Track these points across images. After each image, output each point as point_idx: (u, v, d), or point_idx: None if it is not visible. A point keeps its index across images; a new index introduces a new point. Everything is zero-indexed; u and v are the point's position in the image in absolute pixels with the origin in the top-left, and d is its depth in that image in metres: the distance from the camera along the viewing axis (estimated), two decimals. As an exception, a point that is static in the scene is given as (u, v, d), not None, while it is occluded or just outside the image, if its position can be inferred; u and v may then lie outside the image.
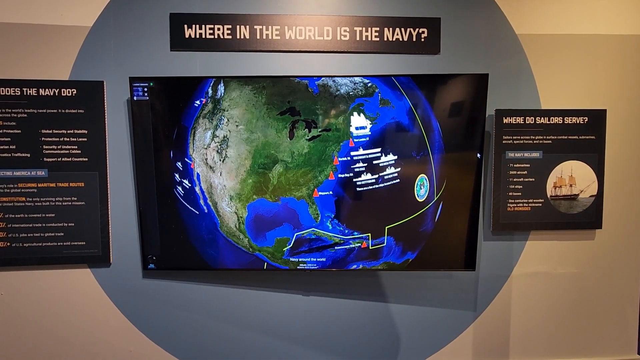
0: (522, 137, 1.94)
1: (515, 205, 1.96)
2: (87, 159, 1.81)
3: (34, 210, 1.80)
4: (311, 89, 1.71)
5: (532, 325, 2.06)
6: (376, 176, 1.73)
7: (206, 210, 1.79)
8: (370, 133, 1.72)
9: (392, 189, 1.75)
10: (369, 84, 1.72)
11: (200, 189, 1.77)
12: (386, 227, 1.78)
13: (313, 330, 2.01)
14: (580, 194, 1.97)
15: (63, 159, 1.80)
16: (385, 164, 1.72)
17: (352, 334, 2.02)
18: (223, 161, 1.74)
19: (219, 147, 1.72)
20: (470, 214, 1.85)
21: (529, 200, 1.96)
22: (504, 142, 1.94)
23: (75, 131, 1.80)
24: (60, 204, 1.81)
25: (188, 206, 1.79)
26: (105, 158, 1.82)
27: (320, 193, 1.74)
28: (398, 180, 1.75)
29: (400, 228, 1.79)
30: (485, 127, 1.84)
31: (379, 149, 1.72)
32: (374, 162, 1.72)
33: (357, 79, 1.71)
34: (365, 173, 1.73)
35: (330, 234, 1.79)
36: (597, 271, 2.05)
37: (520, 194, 1.96)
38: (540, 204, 1.97)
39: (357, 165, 1.73)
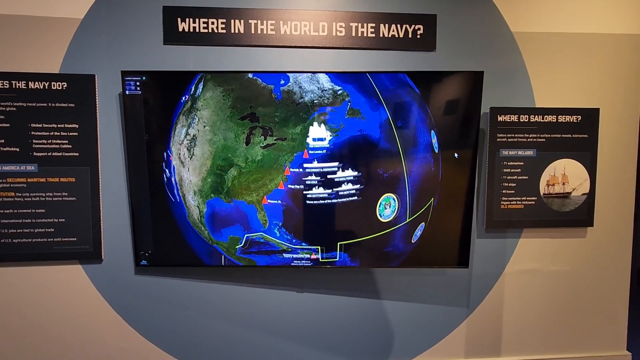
0: (516, 135, 1.94)
1: (509, 203, 1.98)
2: (78, 154, 1.78)
3: (24, 206, 1.77)
4: (275, 94, 1.69)
5: (524, 322, 2.08)
6: (329, 191, 1.70)
7: (178, 200, 1.81)
8: (328, 145, 1.69)
9: (348, 205, 1.73)
10: (339, 92, 1.68)
11: (174, 180, 1.79)
12: (339, 243, 1.78)
13: (306, 327, 2.01)
14: (572, 192, 1.99)
15: (53, 154, 1.77)
16: (342, 179, 1.69)
17: (345, 331, 2.02)
18: (190, 158, 1.76)
19: (189, 144, 1.74)
20: (464, 212, 1.86)
21: (522, 198, 1.98)
22: (498, 140, 1.94)
23: (66, 125, 1.77)
24: (51, 199, 1.78)
25: (168, 193, 1.81)
26: (96, 153, 1.80)
27: (269, 201, 1.75)
28: (357, 198, 1.72)
29: (357, 246, 1.77)
30: (480, 125, 1.84)
31: (336, 163, 1.70)
32: (329, 176, 1.70)
33: (327, 86, 1.68)
34: (317, 187, 1.71)
35: (278, 240, 1.80)
36: (589, 268, 2.08)
37: (513, 191, 1.97)
38: (534, 202, 1.98)
39: (309, 177, 1.71)
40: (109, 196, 1.84)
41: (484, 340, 2.08)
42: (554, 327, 2.10)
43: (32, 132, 1.75)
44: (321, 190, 1.70)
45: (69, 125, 1.77)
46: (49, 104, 1.75)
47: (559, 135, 1.96)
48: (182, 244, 1.83)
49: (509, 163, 1.96)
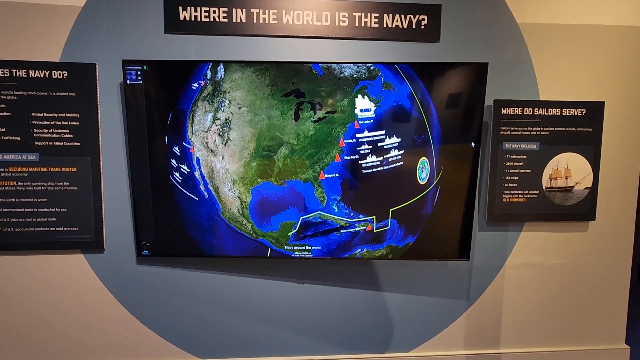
0: (519, 128, 1.93)
1: (511, 196, 1.97)
2: (79, 144, 1.78)
3: (26, 195, 1.78)
4: (315, 71, 1.70)
5: (523, 315, 2.09)
6: (381, 158, 1.73)
7: (207, 196, 1.76)
8: (374, 115, 1.71)
9: (395, 171, 1.76)
10: (372, 68, 1.71)
11: (201, 173, 1.74)
12: (390, 210, 1.79)
13: (307, 318, 2.02)
14: (575, 186, 1.98)
15: (54, 143, 1.76)
16: (389, 146, 1.72)
17: (345, 322, 2.03)
18: (225, 144, 1.71)
19: (221, 130, 1.70)
20: (466, 205, 1.86)
21: (525, 192, 1.97)
22: (501, 132, 1.93)
23: (67, 115, 1.76)
24: (52, 188, 1.79)
25: (186, 192, 1.77)
26: (97, 143, 1.79)
27: (326, 175, 1.74)
28: (401, 163, 1.75)
29: (403, 211, 1.80)
30: (483, 118, 1.83)
31: (383, 132, 1.72)
32: (379, 144, 1.72)
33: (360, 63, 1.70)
34: (370, 155, 1.72)
35: (336, 217, 1.79)
36: (589, 262, 2.08)
37: (516, 185, 1.96)
38: (536, 196, 1.97)
39: (363, 147, 1.72)
40: (111, 186, 1.84)
41: (483, 333, 2.09)
42: (553, 320, 2.11)
43: (33, 121, 1.74)
44: (374, 158, 1.73)
45: (70, 115, 1.76)
46: (50, 93, 1.74)
47: (563, 129, 1.94)
48: (183, 234, 1.84)
49: (511, 156, 1.94)
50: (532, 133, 1.93)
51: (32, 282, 1.86)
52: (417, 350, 2.08)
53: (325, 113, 1.69)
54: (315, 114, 1.69)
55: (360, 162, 1.73)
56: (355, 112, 1.70)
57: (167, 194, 1.80)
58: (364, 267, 2.01)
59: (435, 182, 1.78)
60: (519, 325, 2.10)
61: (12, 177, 1.76)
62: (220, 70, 1.68)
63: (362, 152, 1.72)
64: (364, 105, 1.69)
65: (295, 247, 1.83)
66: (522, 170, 1.96)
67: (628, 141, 2.01)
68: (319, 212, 1.77)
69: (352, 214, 1.78)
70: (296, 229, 1.80)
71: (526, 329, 2.10)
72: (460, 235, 1.88)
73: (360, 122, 1.70)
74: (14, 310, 1.87)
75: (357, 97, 1.69)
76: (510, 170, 1.95)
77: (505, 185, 1.96)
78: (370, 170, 1.74)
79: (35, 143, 1.75)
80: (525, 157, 1.95)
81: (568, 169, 1.97)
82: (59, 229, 1.81)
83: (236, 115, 1.70)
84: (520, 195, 1.97)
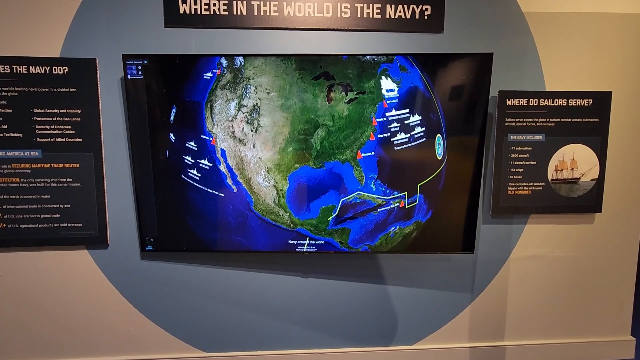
0: (525, 120, 1.90)
1: (516, 188, 1.95)
2: (81, 140, 1.78)
3: (29, 191, 1.78)
4: (340, 55, 1.73)
5: (528, 307, 2.08)
6: (408, 135, 1.76)
7: (235, 190, 1.74)
8: (398, 95, 1.74)
9: (420, 147, 1.78)
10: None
11: (227, 166, 1.73)
12: (418, 185, 1.81)
13: (311, 312, 2.02)
14: (581, 177, 1.96)
15: (57, 140, 1.76)
16: (414, 123, 1.76)
17: (350, 315, 2.04)
18: (256, 131, 1.70)
19: (249, 117, 1.69)
20: (470, 197, 1.84)
21: (530, 184, 1.95)
22: (506, 124, 1.90)
23: (69, 111, 1.75)
24: (56, 185, 1.79)
25: (208, 190, 1.74)
26: (100, 138, 1.79)
27: (363, 154, 1.76)
28: (424, 139, 1.78)
29: (428, 185, 1.82)
30: (488, 109, 1.80)
31: (407, 110, 1.75)
32: (405, 122, 1.75)
33: None
34: (399, 132, 1.75)
35: (374, 195, 1.80)
36: (595, 255, 2.06)
37: (521, 177, 1.94)
38: (541, 188, 1.95)
39: (392, 125, 1.75)
40: (114, 182, 1.84)
41: (487, 325, 2.09)
42: (558, 313, 2.10)
43: (35, 118, 1.74)
44: (403, 135, 1.76)
45: (72, 111, 1.75)
46: (51, 89, 1.73)
47: (569, 120, 1.91)
48: (186, 229, 1.83)
49: (516, 148, 1.92)
50: (537, 124, 1.91)
51: (36, 278, 1.87)
52: (421, 343, 2.08)
53: (356, 94, 1.72)
54: (347, 95, 1.71)
55: (392, 139, 1.76)
56: (382, 92, 1.73)
57: (170, 188, 1.78)
58: (367, 261, 2.00)
59: (446, 157, 1.81)
60: (523, 318, 2.09)
61: (16, 173, 1.76)
62: (239, 57, 1.68)
63: (392, 130, 1.75)
64: (388, 85, 1.72)
65: (334, 233, 1.82)
66: (527, 162, 1.93)
67: (635, 132, 1.98)
68: (358, 192, 1.79)
69: (387, 191, 1.81)
70: (336, 212, 1.80)
71: (531, 321, 2.10)
72: (464, 228, 1.87)
73: (387, 102, 1.73)
74: (19, 306, 1.89)
75: (381, 79, 1.72)
76: (515, 162, 1.93)
77: (510, 177, 1.94)
78: (400, 147, 1.77)
79: (38, 139, 1.75)
80: (530, 148, 1.92)
81: (574, 161, 1.94)
82: (62, 225, 1.82)
83: (265, 100, 1.69)
84: (525, 188, 1.95)
